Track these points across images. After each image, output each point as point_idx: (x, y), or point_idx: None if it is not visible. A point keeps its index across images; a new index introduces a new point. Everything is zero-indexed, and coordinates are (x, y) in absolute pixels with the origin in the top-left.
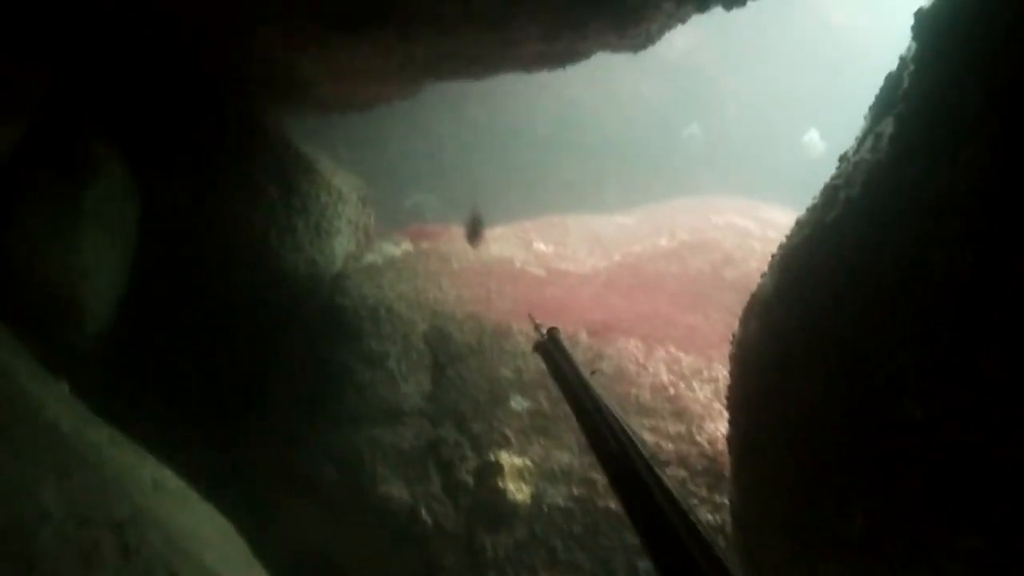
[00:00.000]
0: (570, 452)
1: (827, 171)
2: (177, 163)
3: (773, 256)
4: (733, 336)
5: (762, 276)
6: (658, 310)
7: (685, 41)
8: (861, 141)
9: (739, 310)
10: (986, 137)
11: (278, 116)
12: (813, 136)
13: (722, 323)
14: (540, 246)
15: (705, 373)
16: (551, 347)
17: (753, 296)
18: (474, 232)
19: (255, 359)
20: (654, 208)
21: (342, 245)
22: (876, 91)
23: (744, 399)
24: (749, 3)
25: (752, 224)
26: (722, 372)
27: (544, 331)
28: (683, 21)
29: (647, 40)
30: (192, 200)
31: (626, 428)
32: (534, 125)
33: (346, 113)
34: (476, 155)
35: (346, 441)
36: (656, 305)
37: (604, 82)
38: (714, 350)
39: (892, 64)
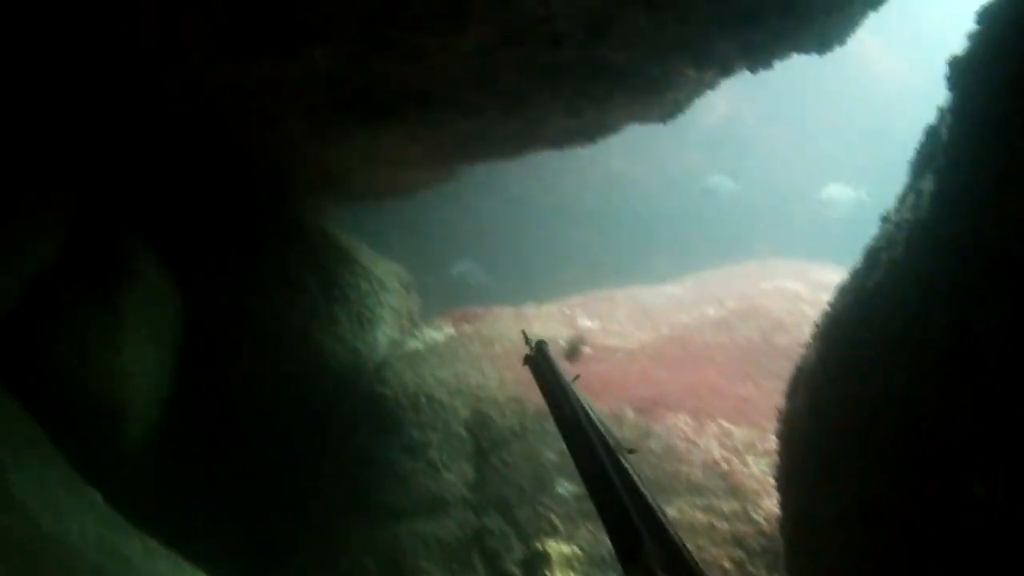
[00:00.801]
0: None
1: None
2: (214, 260)
3: (816, 325)
4: (779, 411)
5: (805, 347)
6: (707, 382)
7: (727, 105)
8: (902, 199)
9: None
10: None
11: (314, 207)
12: (835, 190)
13: (775, 392)
14: (586, 323)
15: (759, 446)
16: (540, 360)
17: (798, 368)
18: (574, 352)
19: (298, 455)
20: (704, 276)
21: (385, 333)
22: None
23: (792, 479)
24: (770, 67)
25: (803, 287)
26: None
27: (533, 344)
28: (711, 87)
29: (676, 109)
30: (231, 297)
31: (604, 432)
32: (581, 199)
33: (384, 201)
34: (523, 232)
35: (388, 535)
36: (705, 377)
37: (648, 153)
38: (767, 421)
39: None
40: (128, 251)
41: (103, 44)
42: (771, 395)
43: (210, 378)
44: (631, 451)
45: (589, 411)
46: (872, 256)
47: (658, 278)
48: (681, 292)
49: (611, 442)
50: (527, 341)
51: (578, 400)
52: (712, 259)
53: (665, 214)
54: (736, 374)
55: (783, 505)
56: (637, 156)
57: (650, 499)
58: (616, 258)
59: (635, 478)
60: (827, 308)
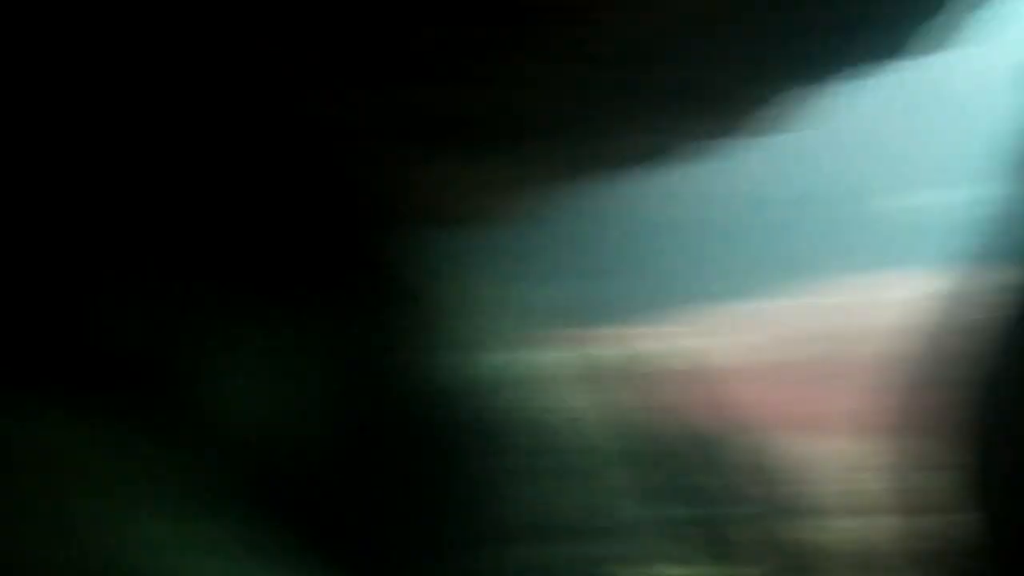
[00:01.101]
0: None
1: None
2: (314, 303)
3: (981, 335)
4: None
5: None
6: (836, 399)
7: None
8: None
9: (925, 390)
10: None
11: (417, 234)
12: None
13: (915, 406)
14: (705, 340)
15: (883, 461)
16: (645, 382)
17: (966, 382)
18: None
19: (408, 487)
20: (835, 286)
21: (487, 356)
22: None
23: (977, 497)
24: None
25: (934, 295)
26: (906, 459)
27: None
28: (814, 99)
29: (778, 123)
30: (331, 337)
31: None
32: (708, 214)
33: (487, 227)
34: (646, 253)
35: (495, 562)
36: (834, 393)
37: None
38: (908, 437)
39: None
40: (239, 292)
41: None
42: (909, 409)
43: (319, 421)
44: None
45: (691, 434)
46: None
47: (786, 291)
48: (810, 303)
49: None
50: (634, 363)
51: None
52: (845, 267)
53: (792, 226)
54: (869, 389)
55: (963, 525)
56: (723, 166)
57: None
58: (745, 272)
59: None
60: (987, 316)
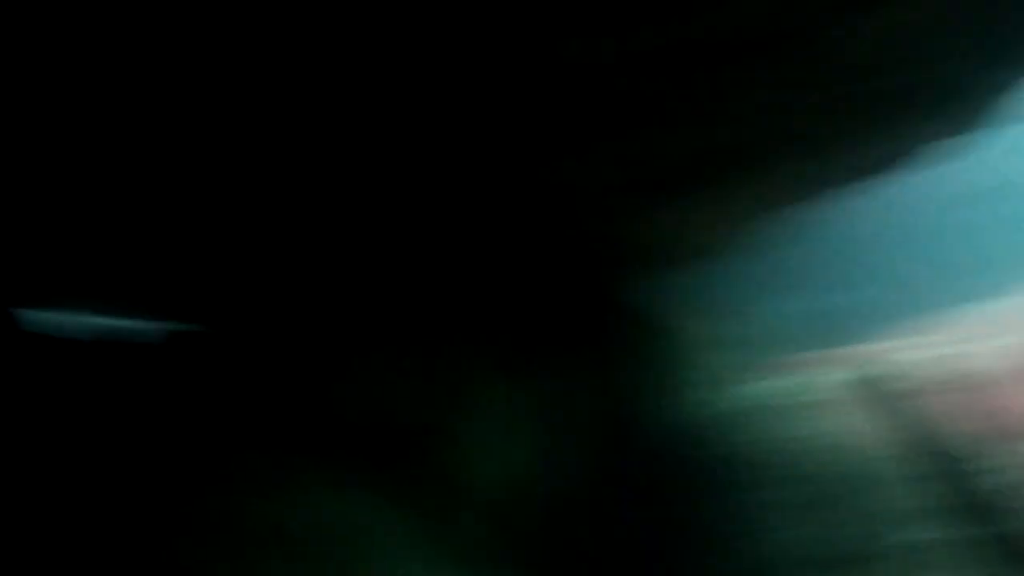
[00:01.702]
0: None
1: None
2: (546, 348)
3: None
4: None
5: None
6: None
7: None
8: None
9: None
10: None
11: (626, 279)
12: None
13: None
14: (921, 351)
15: None
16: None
17: None
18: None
19: (668, 529)
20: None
21: (701, 394)
22: None
23: None
24: None
25: None
26: None
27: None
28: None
29: (985, 119)
30: (562, 388)
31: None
32: (910, 220)
33: (685, 265)
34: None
35: None
36: None
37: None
38: None
39: None
40: (479, 355)
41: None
42: None
43: (557, 467)
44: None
45: (928, 422)
46: None
47: (999, 291)
48: None
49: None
50: (862, 363)
51: (915, 413)
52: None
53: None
54: None
55: None
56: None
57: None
58: (954, 274)
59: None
60: None
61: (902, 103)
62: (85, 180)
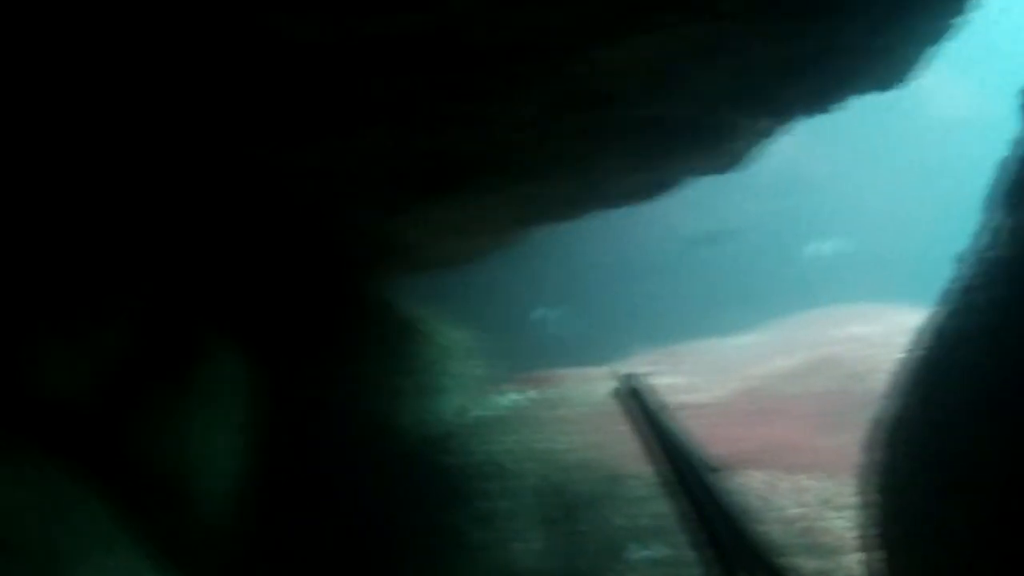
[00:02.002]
0: None
1: None
2: (286, 340)
3: (894, 375)
4: (862, 465)
5: (885, 398)
6: (783, 436)
7: (786, 152)
8: (978, 238)
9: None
10: None
11: (377, 280)
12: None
13: (853, 443)
14: (663, 379)
15: (837, 500)
16: (628, 393)
17: (878, 422)
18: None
19: (369, 529)
20: (773, 325)
21: (450, 401)
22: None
23: (883, 536)
24: (827, 112)
25: (875, 331)
26: (856, 498)
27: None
28: (768, 136)
29: (734, 160)
30: (300, 377)
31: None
32: (647, 254)
33: (448, 269)
34: (587, 289)
35: None
36: (780, 431)
37: (705, 203)
38: (845, 474)
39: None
40: (203, 333)
41: (181, 134)
42: (848, 446)
43: (281, 455)
44: (715, 471)
45: (678, 435)
46: (952, 299)
47: (727, 329)
48: (751, 342)
49: (698, 463)
50: (618, 378)
51: (667, 426)
52: (782, 307)
53: (728, 265)
54: (811, 427)
55: (870, 563)
56: (696, 207)
57: (733, 512)
58: (684, 310)
59: (719, 494)
60: (905, 355)
61: (654, 136)
62: None
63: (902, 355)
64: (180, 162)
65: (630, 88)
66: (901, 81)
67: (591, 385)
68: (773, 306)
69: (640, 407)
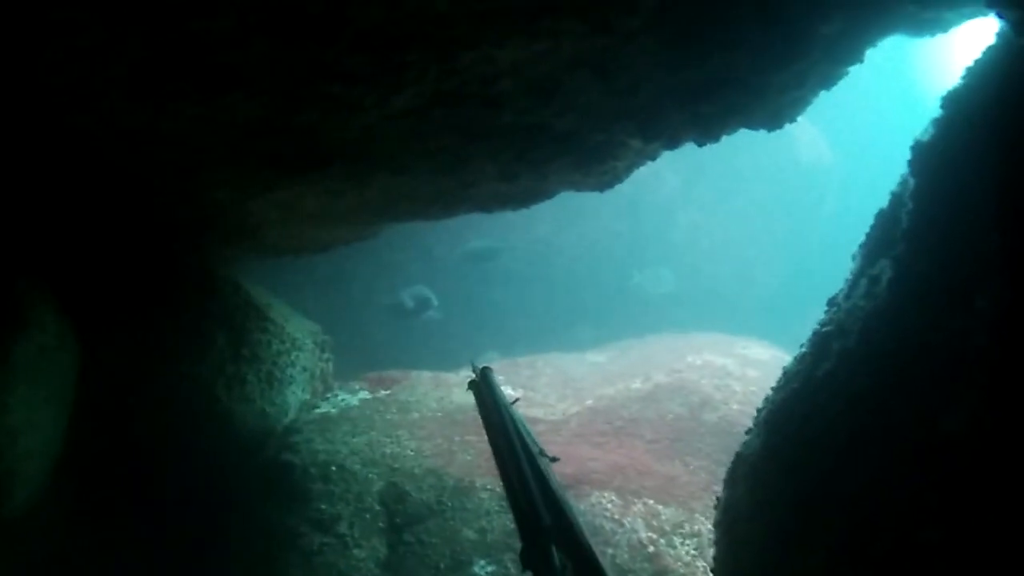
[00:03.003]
0: None
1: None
2: (119, 312)
3: (759, 411)
4: (718, 500)
5: (747, 432)
6: (633, 459)
7: (650, 173)
8: (852, 285)
9: (721, 456)
10: (1008, 280)
11: (229, 261)
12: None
13: (704, 471)
14: (507, 391)
15: (687, 527)
16: (482, 384)
17: (738, 456)
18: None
19: (199, 526)
20: (628, 345)
21: (295, 394)
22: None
23: (733, 571)
24: (717, 141)
25: (730, 362)
26: (706, 526)
27: (479, 369)
28: (653, 158)
29: (614, 178)
30: (134, 351)
31: (531, 443)
32: (503, 262)
33: (303, 256)
34: (440, 290)
35: None
36: (631, 453)
37: (572, 219)
38: (696, 501)
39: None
40: (23, 300)
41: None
42: (699, 474)
43: (107, 438)
44: (554, 459)
45: (520, 427)
46: (821, 343)
47: (580, 346)
48: (605, 360)
49: (536, 450)
50: (473, 369)
51: (512, 417)
52: (636, 328)
53: (587, 281)
54: (663, 451)
55: None
56: (562, 221)
57: (560, 497)
58: (537, 323)
59: (551, 480)
60: (771, 393)
61: (536, 144)
62: None
63: (767, 392)
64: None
65: (516, 93)
66: (792, 120)
67: (445, 391)
68: (621, 326)
69: (493, 398)
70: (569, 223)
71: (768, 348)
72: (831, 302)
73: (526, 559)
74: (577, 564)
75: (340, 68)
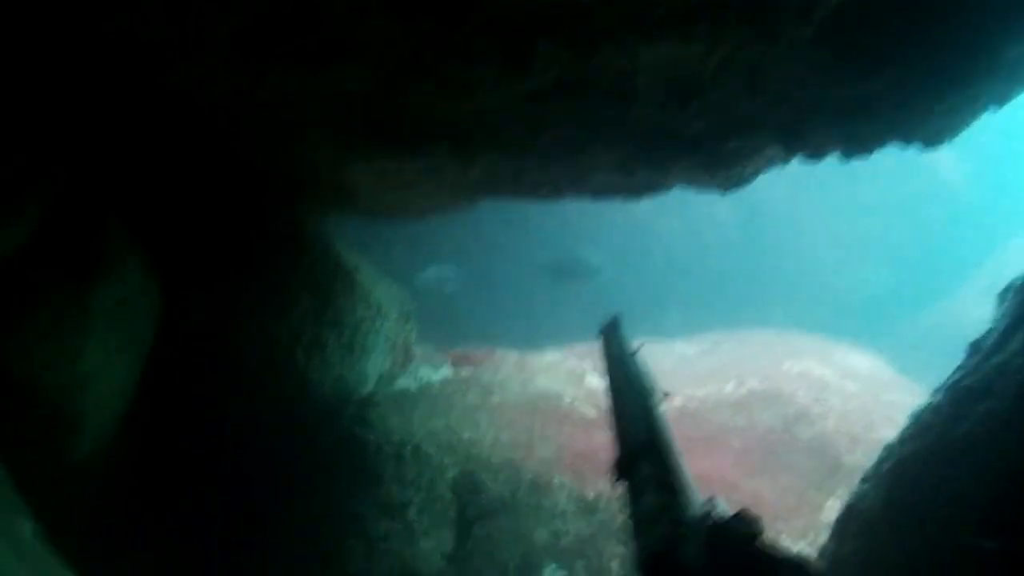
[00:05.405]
0: None
1: None
2: (205, 265)
3: (880, 461)
4: (820, 549)
5: (863, 481)
6: (720, 471)
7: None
8: (1004, 336)
9: (813, 476)
10: None
11: (319, 220)
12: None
13: (792, 492)
14: (593, 380)
15: None
16: (609, 332)
17: (850, 509)
18: None
19: (263, 496)
20: (720, 339)
21: (376, 365)
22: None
23: None
24: (870, 155)
25: (829, 373)
26: (792, 550)
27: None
28: (785, 163)
29: (741, 181)
30: (217, 306)
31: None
32: (597, 239)
33: (394, 222)
34: (527, 266)
35: None
36: (718, 464)
37: (677, 203)
38: (781, 523)
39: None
40: (108, 246)
41: (102, 31)
42: (788, 494)
43: (180, 394)
44: (667, 394)
45: (644, 373)
46: (963, 397)
47: (668, 332)
48: (694, 354)
49: (655, 396)
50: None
51: (634, 363)
52: (724, 318)
53: (680, 267)
54: (752, 465)
55: None
56: (663, 206)
57: (665, 437)
58: (624, 306)
59: (661, 422)
60: (893, 441)
61: (664, 144)
62: None
63: (892, 442)
64: (105, 58)
65: (652, 91)
66: (952, 138)
67: (528, 375)
68: (717, 316)
69: (618, 344)
70: (673, 210)
71: (868, 357)
72: (975, 348)
73: (619, 469)
74: (664, 478)
75: (464, 49)
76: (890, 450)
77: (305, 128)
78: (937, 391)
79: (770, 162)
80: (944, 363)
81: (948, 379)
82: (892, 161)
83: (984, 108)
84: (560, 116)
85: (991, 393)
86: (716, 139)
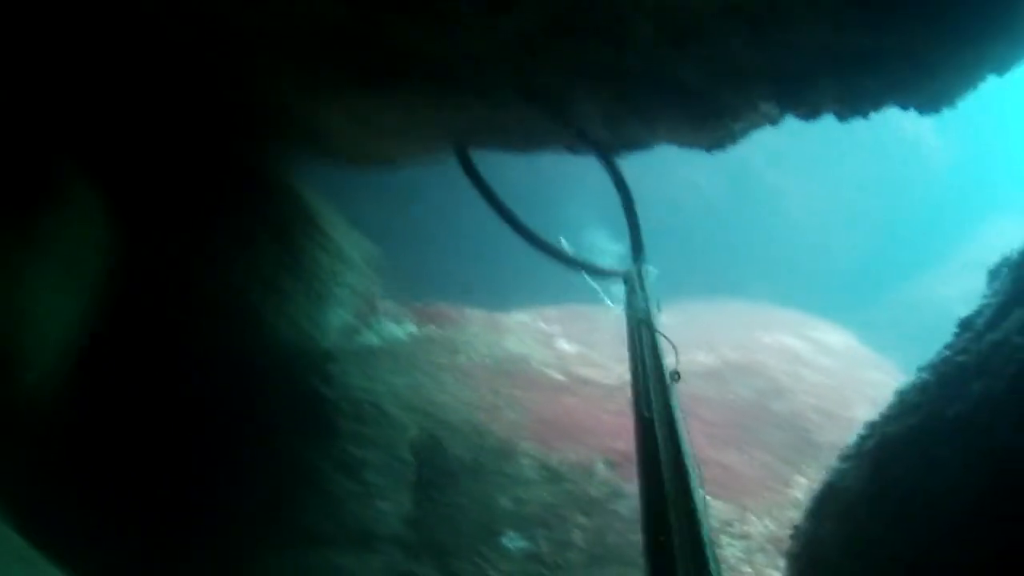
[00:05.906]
0: None
1: None
2: (165, 206)
3: (861, 438)
4: (795, 530)
5: (842, 460)
6: (690, 443)
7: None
8: (999, 313)
9: (786, 452)
10: None
11: (287, 163)
12: None
13: (763, 466)
14: (563, 345)
15: (736, 527)
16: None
17: (829, 488)
18: None
19: (215, 446)
20: (693, 308)
21: (338, 316)
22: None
23: None
24: (865, 118)
25: (803, 346)
26: (757, 527)
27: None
28: (775, 123)
29: (728, 140)
30: (176, 248)
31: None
32: (570, 198)
33: (367, 169)
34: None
35: (300, 565)
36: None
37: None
38: (750, 498)
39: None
40: (55, 172)
41: None
42: (758, 468)
43: (131, 333)
44: (677, 374)
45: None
46: (953, 376)
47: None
48: (667, 322)
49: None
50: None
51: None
52: (700, 288)
53: (656, 232)
54: (723, 438)
55: None
56: (648, 168)
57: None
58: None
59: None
60: (878, 419)
61: (654, 96)
62: None
63: (875, 419)
64: None
65: (649, 33)
66: (951, 104)
67: (497, 336)
68: (696, 282)
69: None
70: (656, 173)
71: (842, 334)
72: (965, 325)
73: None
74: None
75: None
76: (872, 428)
77: (274, 60)
78: (923, 369)
79: (761, 119)
80: (920, 342)
81: (936, 356)
82: (874, 136)
83: (984, 75)
84: (547, 62)
85: (986, 372)
86: (710, 89)
